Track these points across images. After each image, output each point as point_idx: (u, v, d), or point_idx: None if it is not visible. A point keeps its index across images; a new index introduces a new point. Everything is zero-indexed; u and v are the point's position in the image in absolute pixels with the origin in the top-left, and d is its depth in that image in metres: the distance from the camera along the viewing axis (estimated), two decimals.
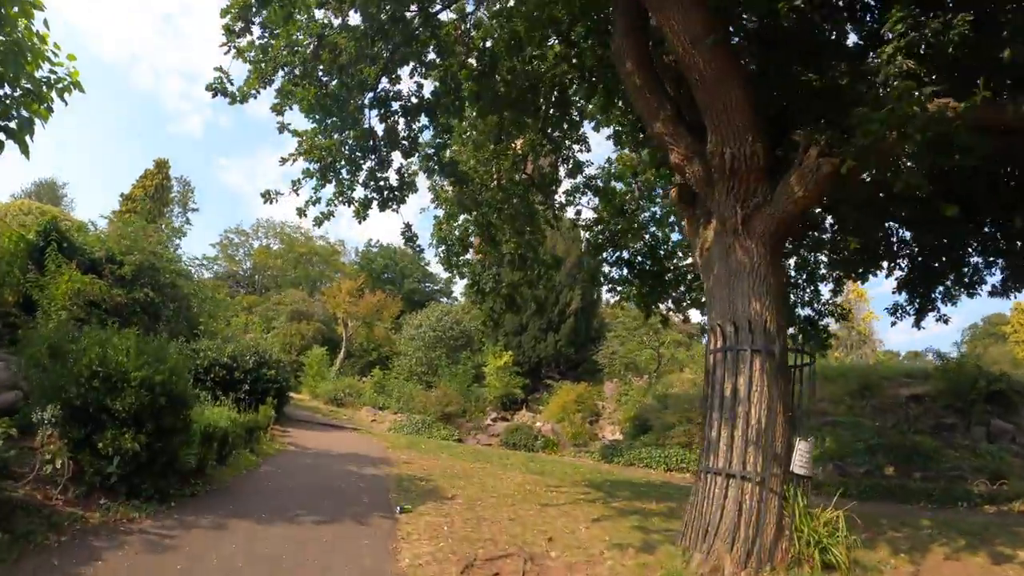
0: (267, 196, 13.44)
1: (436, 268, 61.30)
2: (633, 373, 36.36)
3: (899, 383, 25.55)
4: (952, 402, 23.44)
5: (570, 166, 21.93)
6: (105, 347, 10.50)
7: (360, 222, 15.40)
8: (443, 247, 21.06)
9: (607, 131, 19.61)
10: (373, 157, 14.85)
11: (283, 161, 13.47)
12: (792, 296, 18.52)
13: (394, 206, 15.70)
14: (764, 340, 9.71)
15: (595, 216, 23.16)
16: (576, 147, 21.74)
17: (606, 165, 22.54)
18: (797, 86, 10.97)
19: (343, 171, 14.64)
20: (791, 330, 16.48)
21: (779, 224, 10.42)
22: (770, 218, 10.39)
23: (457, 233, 21.22)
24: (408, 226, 17.35)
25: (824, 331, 18.82)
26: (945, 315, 16.67)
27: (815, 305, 19.25)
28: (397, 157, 15.39)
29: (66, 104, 9.06)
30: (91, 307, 18.89)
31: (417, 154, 17.18)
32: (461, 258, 21.67)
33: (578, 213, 23.42)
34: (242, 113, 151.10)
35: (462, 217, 21.39)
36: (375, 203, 15.38)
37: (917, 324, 16.92)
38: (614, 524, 11.72)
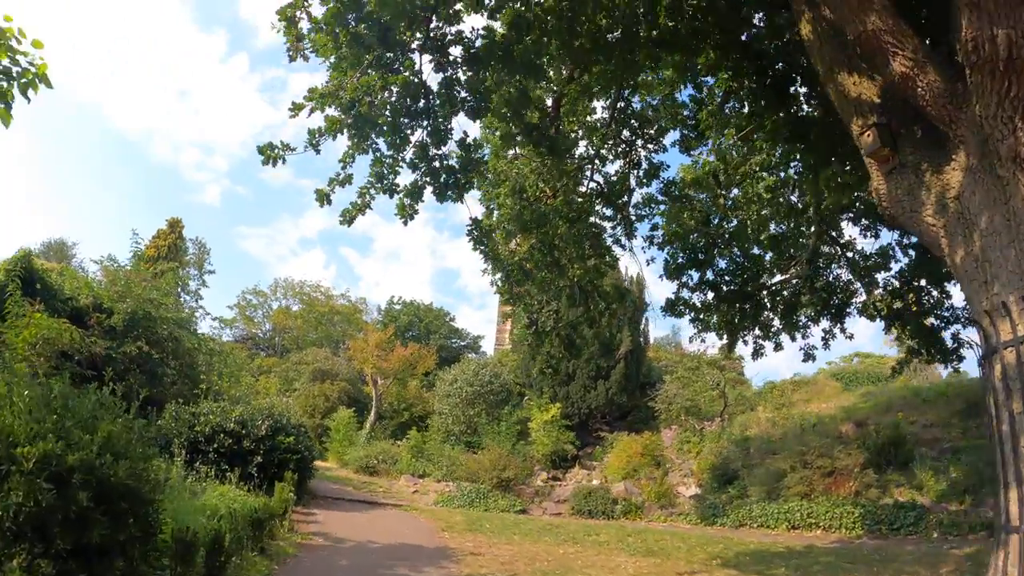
0: (268, 153, 8.35)
1: (463, 323, 56.99)
2: (694, 418, 30.93)
3: None
4: None
5: (643, 171, 17.06)
6: None
7: (405, 221, 10.32)
8: (500, 273, 16.06)
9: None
10: (425, 123, 9.72)
11: (294, 109, 8.36)
12: None
13: (453, 194, 10.65)
14: None
15: (673, 230, 18.40)
16: (650, 147, 16.70)
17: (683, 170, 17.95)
18: None
19: (381, 141, 9.53)
20: None
21: None
22: None
23: (517, 257, 16.14)
24: (476, 222, 12.41)
25: None
26: None
27: None
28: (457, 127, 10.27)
29: (29, 101, 7.37)
30: (64, 359, 15.20)
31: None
32: (524, 286, 16.63)
33: (654, 227, 18.44)
34: (260, 184, 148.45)
35: (513, 239, 16.99)
36: (429, 189, 10.30)
37: None
38: None
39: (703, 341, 20.08)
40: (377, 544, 13.72)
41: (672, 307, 19.36)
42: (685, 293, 19.37)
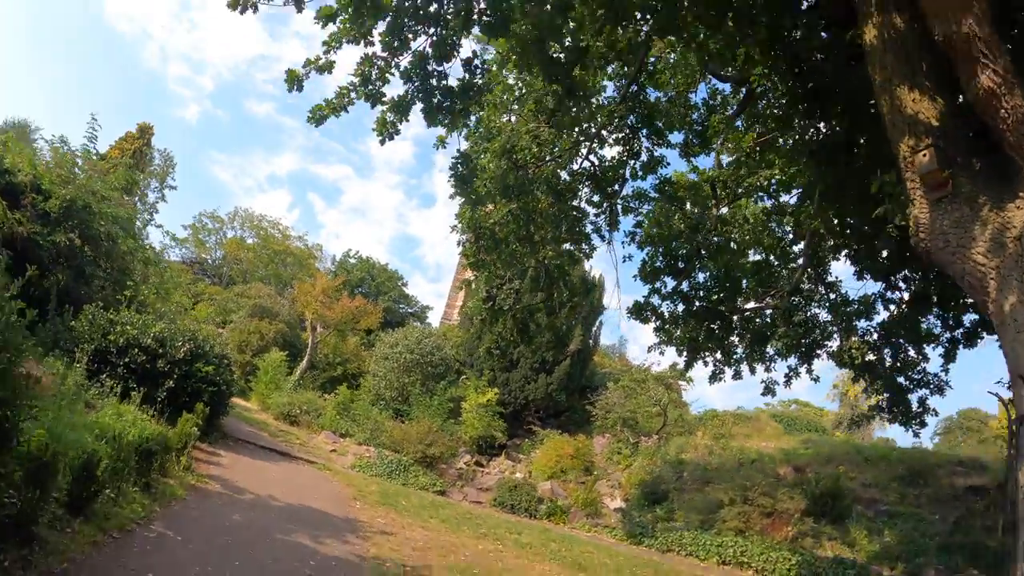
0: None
1: (414, 291, 55.34)
2: (630, 430, 29.83)
3: (952, 471, 20.74)
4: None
5: (641, 162, 15.91)
6: None
7: (383, 140, 8.83)
8: (470, 234, 14.74)
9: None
10: (432, 31, 8.13)
11: None
12: None
13: (445, 120, 9.16)
14: None
15: (658, 231, 17.33)
16: (653, 139, 15.90)
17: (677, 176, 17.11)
18: None
19: (377, 37, 7.95)
20: None
21: None
22: None
23: (491, 220, 14.89)
24: (464, 156, 11.04)
25: None
26: None
27: None
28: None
29: None
30: None
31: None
32: (492, 255, 15.32)
33: (638, 224, 17.28)
34: (241, 112, 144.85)
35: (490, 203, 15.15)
36: (418, 107, 8.77)
37: None
38: None
39: (662, 354, 19.06)
40: (279, 503, 12.11)
41: (639, 311, 18.31)
42: (655, 300, 18.38)
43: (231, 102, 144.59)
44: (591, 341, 36.05)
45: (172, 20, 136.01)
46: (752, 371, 18.42)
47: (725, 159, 17.16)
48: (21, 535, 6.15)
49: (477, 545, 12.91)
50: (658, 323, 18.51)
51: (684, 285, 18.38)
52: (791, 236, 17.62)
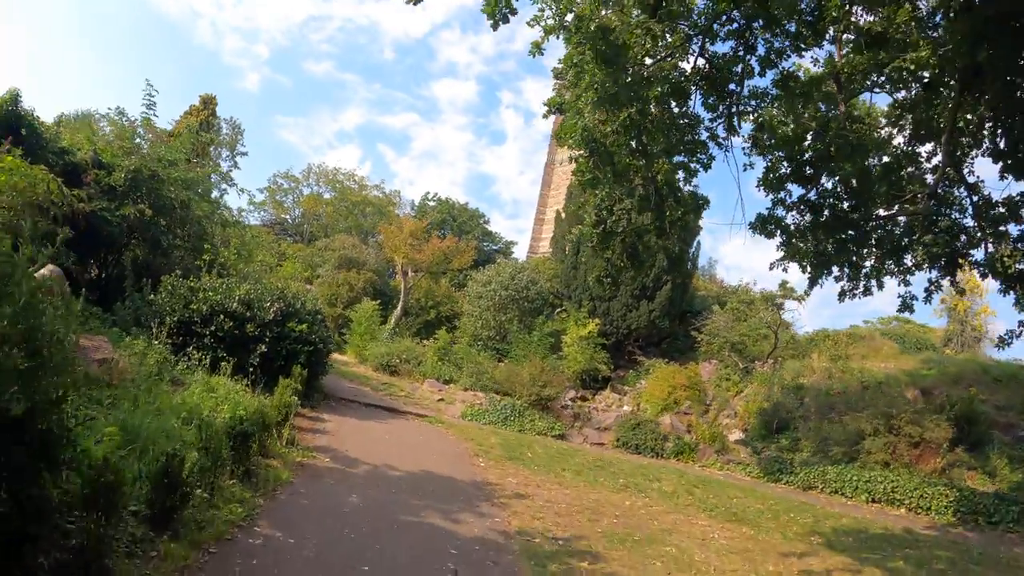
0: None
1: (495, 227, 53.66)
2: (738, 355, 27.64)
3: None
4: None
5: (758, 57, 13.64)
6: None
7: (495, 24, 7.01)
8: (583, 148, 12.82)
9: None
10: None
11: None
12: None
13: None
14: None
15: (784, 133, 15.08)
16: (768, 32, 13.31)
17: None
18: None
19: None
20: None
21: None
22: None
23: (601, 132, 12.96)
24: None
25: None
26: None
27: None
28: None
29: None
30: (40, 213, 12.04)
31: None
32: (606, 170, 13.35)
33: (758, 127, 15.01)
34: (301, 74, 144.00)
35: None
36: None
37: None
38: None
39: (785, 270, 16.91)
40: (398, 472, 10.50)
41: (763, 225, 16.10)
42: (780, 211, 16.19)
43: (289, 66, 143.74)
44: (689, 264, 33.63)
45: None
46: (880, 286, 16.08)
47: (845, 50, 14.69)
48: (89, 573, 4.57)
49: (623, 501, 11.19)
50: (783, 237, 16.32)
51: (812, 193, 16.14)
52: (923, 133, 15.15)
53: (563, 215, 38.82)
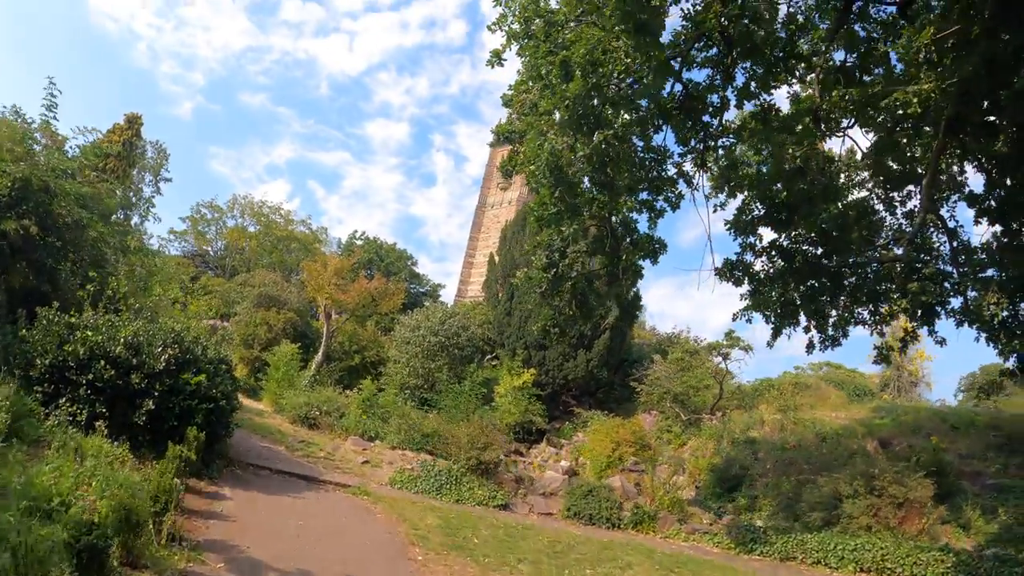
0: None
1: (424, 269, 51.30)
2: (680, 407, 25.84)
3: None
4: None
5: (736, 87, 11.77)
6: None
7: None
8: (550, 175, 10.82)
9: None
10: None
11: None
12: None
13: None
14: None
15: (763, 172, 13.40)
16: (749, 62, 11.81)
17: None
18: None
19: None
20: None
21: None
22: None
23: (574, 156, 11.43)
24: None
25: None
26: None
27: None
28: None
29: None
30: None
31: None
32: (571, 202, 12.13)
33: (732, 164, 13.33)
34: (235, 105, 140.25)
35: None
36: None
37: None
38: None
39: (748, 321, 15.40)
40: None
41: (731, 270, 14.42)
42: (748, 256, 14.49)
43: (224, 96, 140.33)
44: (634, 310, 31.80)
45: (158, 18, 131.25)
46: (846, 335, 14.83)
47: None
48: None
49: None
50: (751, 284, 14.65)
51: (783, 239, 14.57)
52: (900, 175, 14.12)
53: (496, 258, 36.75)
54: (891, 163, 14.30)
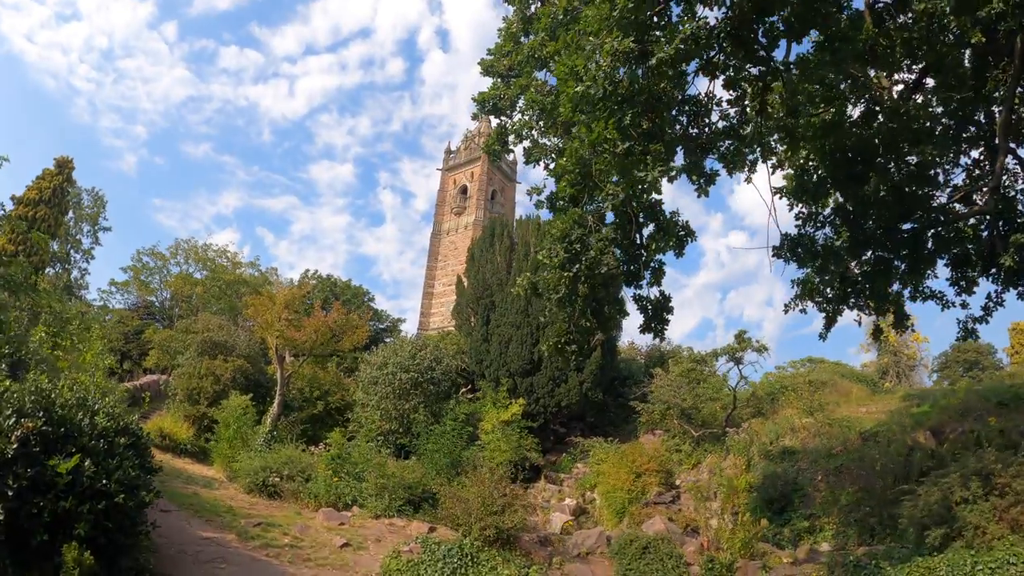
0: None
1: (381, 305, 47.06)
2: (688, 422, 22.36)
3: None
4: None
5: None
6: None
7: None
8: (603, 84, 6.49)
9: None
10: None
11: None
12: None
13: None
14: None
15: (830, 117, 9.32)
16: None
17: None
18: None
19: None
20: None
21: None
22: None
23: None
24: None
25: None
26: None
27: None
28: None
29: None
30: None
31: None
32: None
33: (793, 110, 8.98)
34: (179, 156, 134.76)
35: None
36: None
37: None
38: None
39: (803, 311, 12.69)
40: None
41: (792, 249, 10.88)
42: (808, 228, 12.47)
43: (167, 147, 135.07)
44: (619, 323, 27.84)
45: (97, 72, 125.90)
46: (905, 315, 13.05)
47: None
48: None
49: None
50: (816, 264, 11.96)
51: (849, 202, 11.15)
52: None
53: (464, 281, 32.56)
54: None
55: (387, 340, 36.44)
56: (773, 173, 12.31)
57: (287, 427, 22.87)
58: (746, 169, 9.95)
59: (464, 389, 26.42)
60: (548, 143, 11.91)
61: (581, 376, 25.08)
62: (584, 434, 25.14)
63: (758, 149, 9.71)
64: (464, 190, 58.76)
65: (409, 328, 50.31)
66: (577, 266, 10.37)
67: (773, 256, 11.80)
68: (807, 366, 32.10)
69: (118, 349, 39.61)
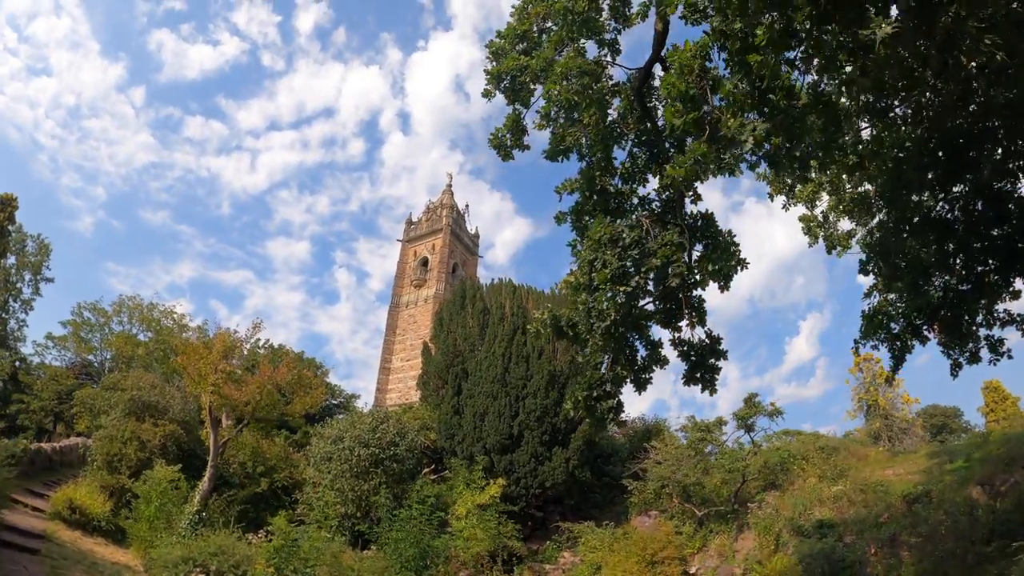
0: None
1: (336, 379, 42.61)
2: (690, 501, 19.55)
3: None
4: None
5: None
6: None
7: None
8: None
9: None
10: None
11: None
12: None
13: None
14: None
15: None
16: None
17: None
18: None
19: None
20: None
21: None
22: None
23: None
24: None
25: None
26: None
27: None
28: None
29: None
30: None
31: None
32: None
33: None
34: (137, 222, 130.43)
35: None
36: None
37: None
38: None
39: (875, 348, 10.56)
40: None
41: (884, 256, 8.64)
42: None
43: (125, 212, 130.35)
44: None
45: (62, 128, 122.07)
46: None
47: None
48: None
49: None
50: (908, 279, 9.70)
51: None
52: None
53: (431, 348, 28.77)
54: None
55: (340, 416, 32.03)
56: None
57: (221, 507, 18.25)
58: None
59: (427, 469, 22.36)
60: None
61: (567, 452, 21.33)
62: (566, 518, 21.68)
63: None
64: (425, 262, 55.72)
65: (364, 405, 45.89)
66: (636, 279, 7.10)
67: (860, 272, 9.10)
68: (784, 439, 28.80)
69: (50, 410, 35.69)
